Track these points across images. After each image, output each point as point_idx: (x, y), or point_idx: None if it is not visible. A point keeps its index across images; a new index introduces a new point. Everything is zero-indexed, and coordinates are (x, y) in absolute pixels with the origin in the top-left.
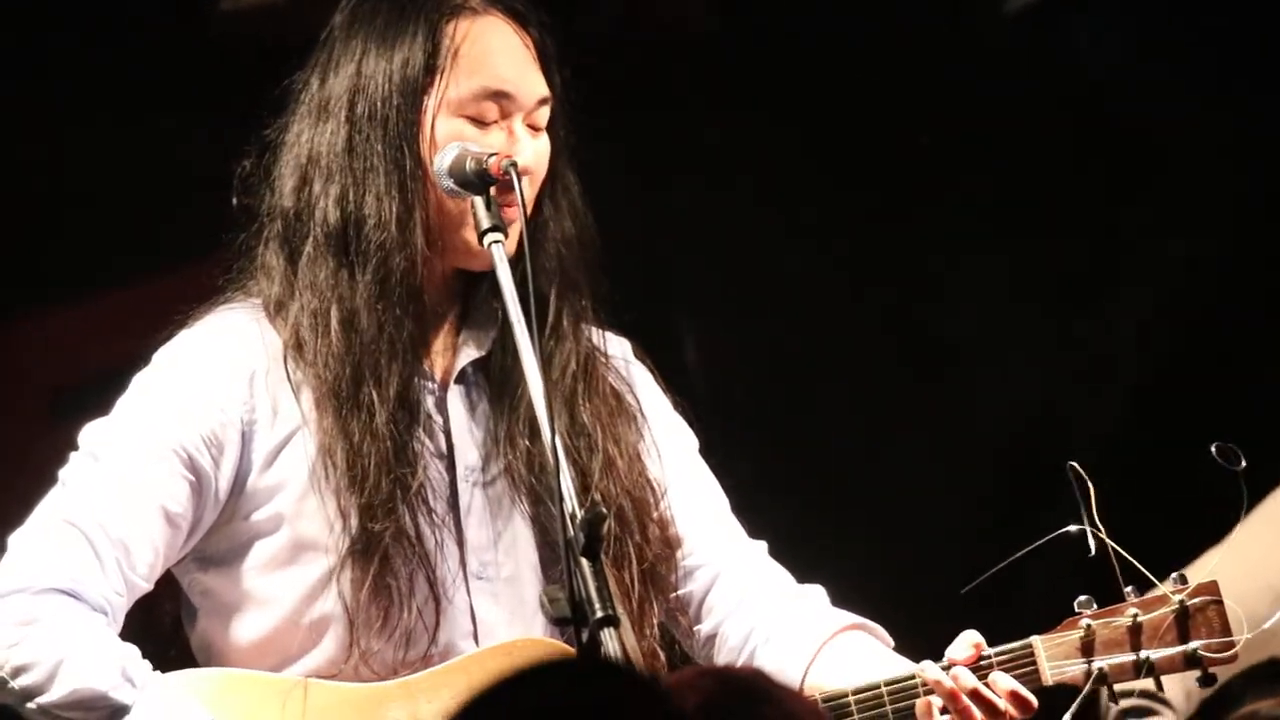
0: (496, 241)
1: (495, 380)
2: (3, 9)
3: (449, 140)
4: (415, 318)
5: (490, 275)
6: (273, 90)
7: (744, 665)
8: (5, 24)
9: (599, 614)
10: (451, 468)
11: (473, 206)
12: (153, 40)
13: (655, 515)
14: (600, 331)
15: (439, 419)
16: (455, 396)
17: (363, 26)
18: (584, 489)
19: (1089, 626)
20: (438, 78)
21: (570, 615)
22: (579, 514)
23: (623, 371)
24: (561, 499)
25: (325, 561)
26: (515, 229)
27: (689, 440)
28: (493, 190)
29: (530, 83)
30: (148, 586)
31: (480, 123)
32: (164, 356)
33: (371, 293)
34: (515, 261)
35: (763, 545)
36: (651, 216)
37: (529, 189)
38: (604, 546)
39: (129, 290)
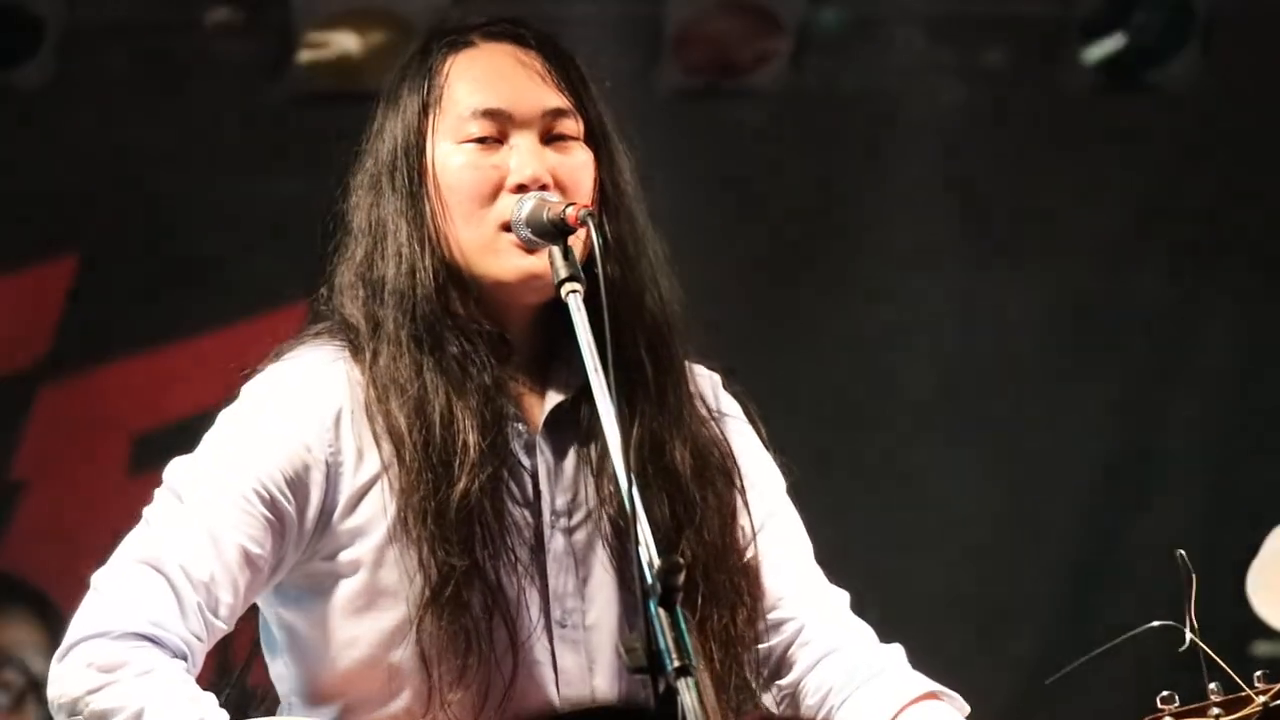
0: (574, 292)
1: (584, 423)
2: (88, 65)
3: (455, 173)
4: (493, 360)
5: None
6: (347, 143)
7: None
8: (96, 87)
9: (675, 663)
10: (537, 514)
11: (550, 256)
12: (230, 96)
13: (742, 566)
14: (689, 365)
15: (527, 463)
16: (544, 439)
17: (387, 91)
18: (669, 538)
19: None
20: (433, 116)
21: (646, 665)
22: (656, 562)
23: (711, 410)
24: (638, 546)
25: (403, 609)
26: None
27: (777, 482)
28: (570, 239)
29: (530, 95)
30: (227, 628)
31: (482, 144)
32: (250, 393)
33: (426, 341)
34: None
35: (845, 596)
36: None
37: (560, 200)
38: (690, 598)
39: (207, 338)
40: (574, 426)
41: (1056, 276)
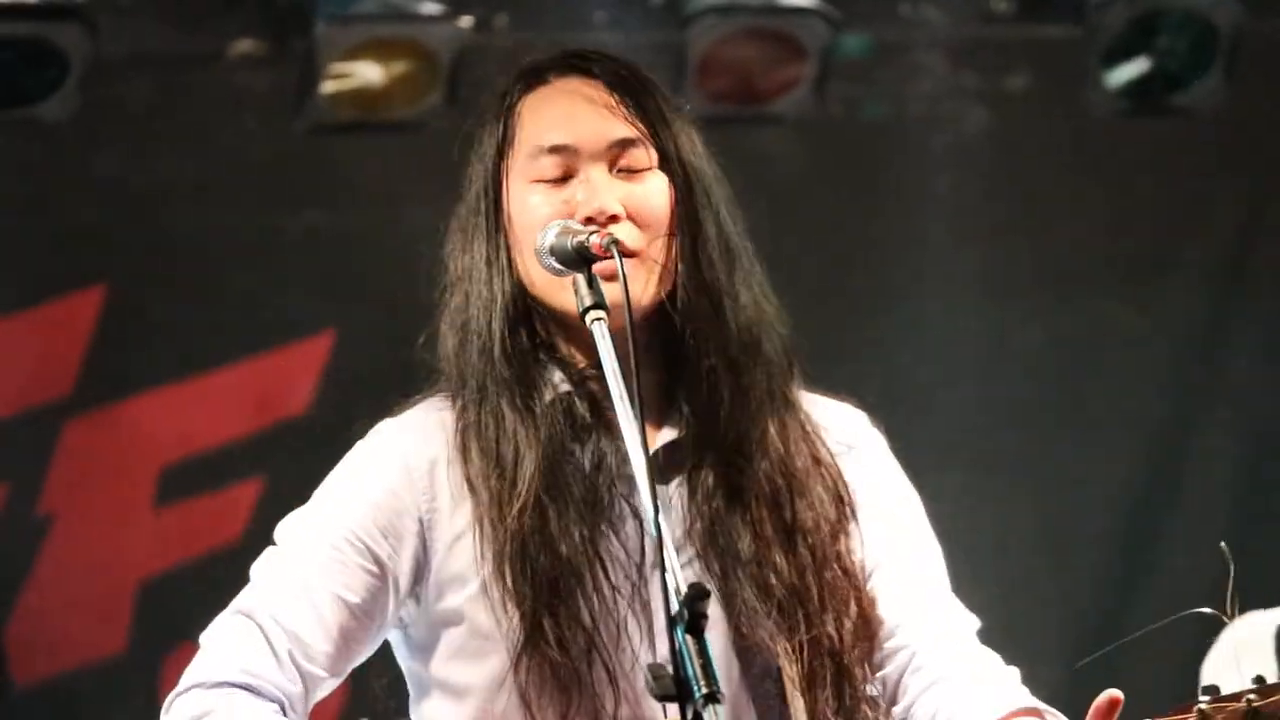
0: (598, 319)
1: (698, 460)
2: (112, 98)
3: (528, 212)
4: (596, 397)
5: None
6: (369, 171)
7: None
8: (121, 119)
9: (703, 691)
10: (641, 552)
11: (575, 284)
12: (254, 127)
13: (849, 600)
14: (823, 399)
15: (630, 504)
16: (652, 478)
17: (471, 137)
18: (760, 569)
19: (1203, 712)
20: (507, 157)
21: (675, 693)
22: (683, 589)
23: (837, 445)
24: (664, 573)
25: (504, 654)
26: (640, 283)
27: (913, 514)
28: (595, 267)
29: (596, 128)
30: (327, 676)
31: (549, 182)
32: (357, 448)
33: (511, 384)
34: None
35: (974, 623)
36: None
37: (630, 233)
38: (779, 629)
39: (232, 370)
40: (689, 463)
41: (1083, 300)
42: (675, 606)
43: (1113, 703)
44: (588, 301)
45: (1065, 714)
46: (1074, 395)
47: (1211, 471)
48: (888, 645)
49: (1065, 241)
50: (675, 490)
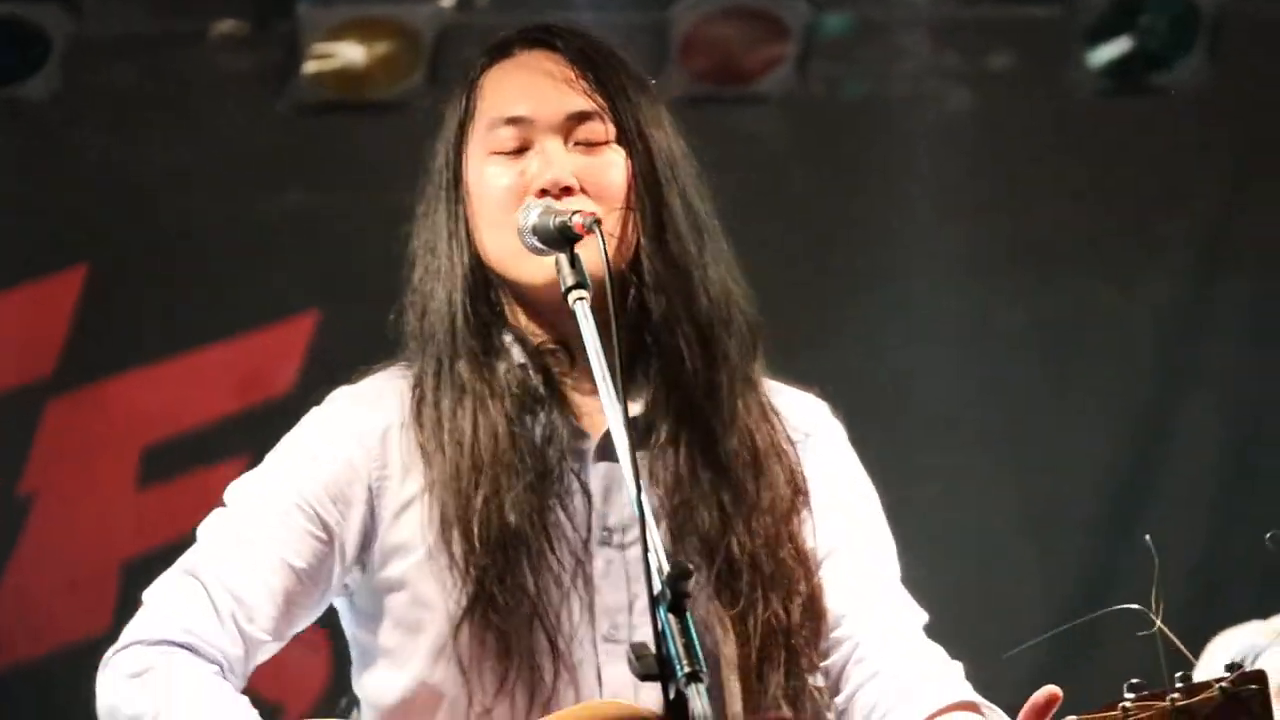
0: (581, 299)
1: (646, 436)
2: (94, 78)
3: (484, 183)
4: (548, 371)
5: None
6: (352, 150)
7: None
8: (103, 99)
9: (686, 669)
10: (587, 527)
11: (557, 264)
12: (237, 107)
13: (799, 583)
14: (787, 388)
15: (580, 477)
16: (605, 453)
17: (441, 111)
18: (719, 543)
19: (1126, 709)
20: (468, 130)
21: (657, 672)
22: (665, 568)
23: (795, 434)
24: (647, 552)
25: (446, 622)
26: (595, 254)
27: (867, 506)
28: (577, 246)
29: (552, 101)
30: (269, 640)
31: (505, 154)
32: (310, 414)
33: (469, 356)
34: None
35: (922, 617)
36: None
37: (584, 206)
38: (736, 601)
39: (215, 350)
40: (653, 437)
41: (1065, 280)
42: (658, 585)
43: (1050, 699)
44: (570, 281)
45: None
46: (1057, 375)
47: (1194, 452)
48: (834, 635)
49: (1048, 221)
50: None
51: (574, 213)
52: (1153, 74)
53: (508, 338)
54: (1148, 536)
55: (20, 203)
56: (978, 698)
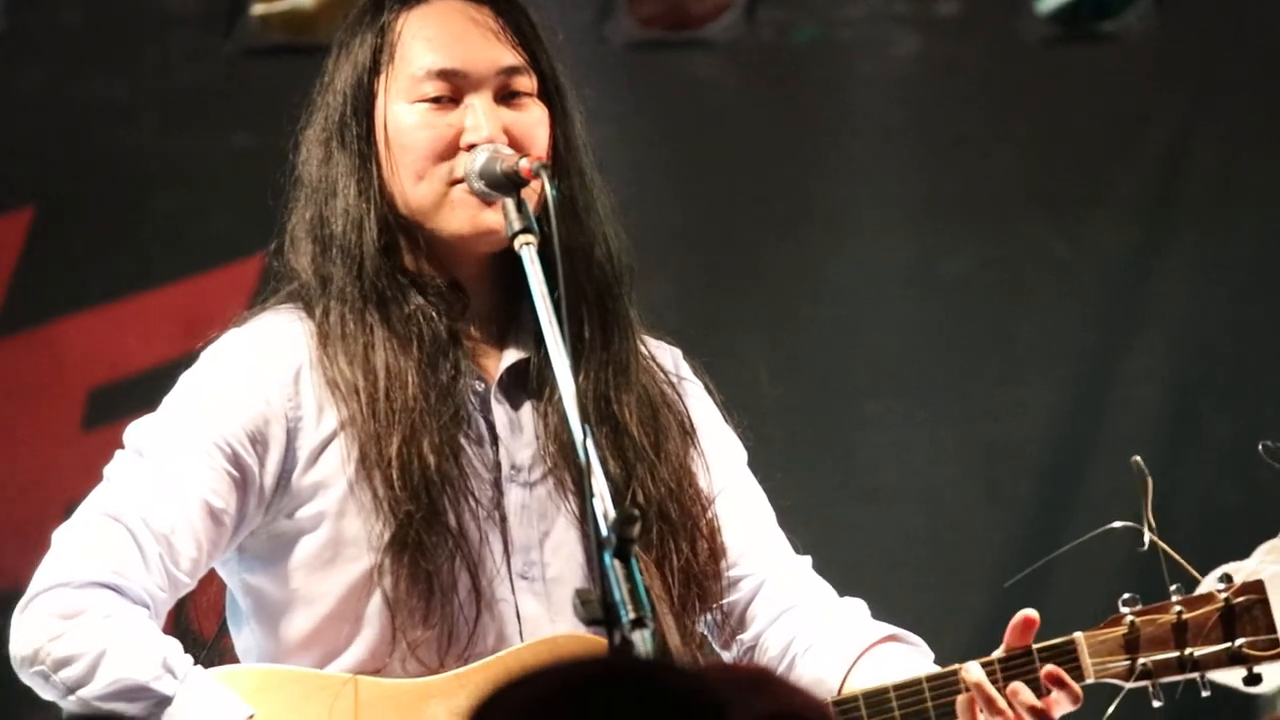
0: (528, 244)
1: (542, 379)
2: (40, 17)
3: (409, 132)
4: (446, 314)
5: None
6: (301, 98)
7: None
8: (49, 39)
9: (631, 615)
10: (497, 467)
11: (504, 208)
12: (183, 49)
13: (702, 524)
14: (649, 338)
15: (484, 418)
16: (502, 394)
17: (338, 45)
18: (624, 493)
19: (1133, 623)
20: (384, 74)
21: (602, 617)
22: (611, 514)
23: (671, 379)
24: (592, 498)
25: (368, 558)
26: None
27: (738, 452)
28: (524, 191)
29: (484, 54)
30: (190, 583)
31: (431, 103)
32: (210, 355)
33: (374, 297)
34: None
35: (807, 560)
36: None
37: (514, 153)
38: (649, 551)
39: (162, 292)
40: (533, 382)
41: (1013, 225)
42: (605, 531)
43: (1027, 622)
44: (516, 226)
45: (993, 635)
46: (1003, 321)
47: (1140, 399)
48: (731, 573)
49: (996, 167)
50: (529, 412)
51: (521, 157)
52: (1101, 20)
53: (413, 282)
54: (1137, 457)
55: None
56: (895, 629)
